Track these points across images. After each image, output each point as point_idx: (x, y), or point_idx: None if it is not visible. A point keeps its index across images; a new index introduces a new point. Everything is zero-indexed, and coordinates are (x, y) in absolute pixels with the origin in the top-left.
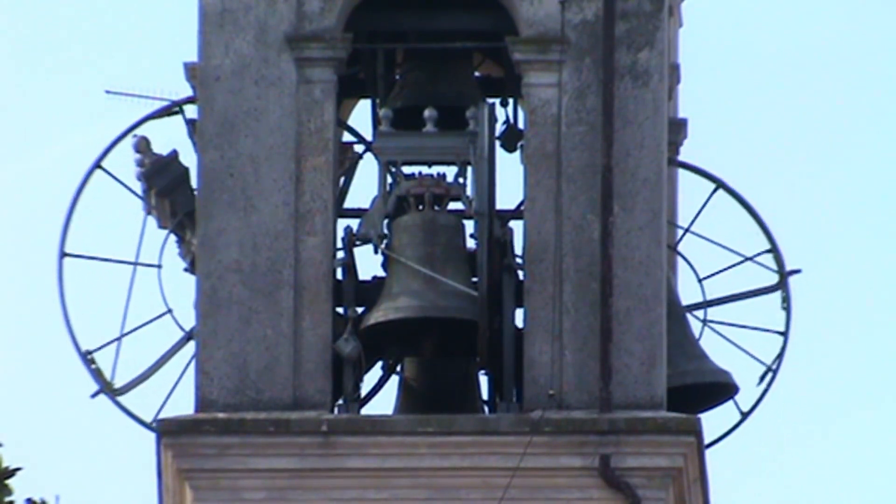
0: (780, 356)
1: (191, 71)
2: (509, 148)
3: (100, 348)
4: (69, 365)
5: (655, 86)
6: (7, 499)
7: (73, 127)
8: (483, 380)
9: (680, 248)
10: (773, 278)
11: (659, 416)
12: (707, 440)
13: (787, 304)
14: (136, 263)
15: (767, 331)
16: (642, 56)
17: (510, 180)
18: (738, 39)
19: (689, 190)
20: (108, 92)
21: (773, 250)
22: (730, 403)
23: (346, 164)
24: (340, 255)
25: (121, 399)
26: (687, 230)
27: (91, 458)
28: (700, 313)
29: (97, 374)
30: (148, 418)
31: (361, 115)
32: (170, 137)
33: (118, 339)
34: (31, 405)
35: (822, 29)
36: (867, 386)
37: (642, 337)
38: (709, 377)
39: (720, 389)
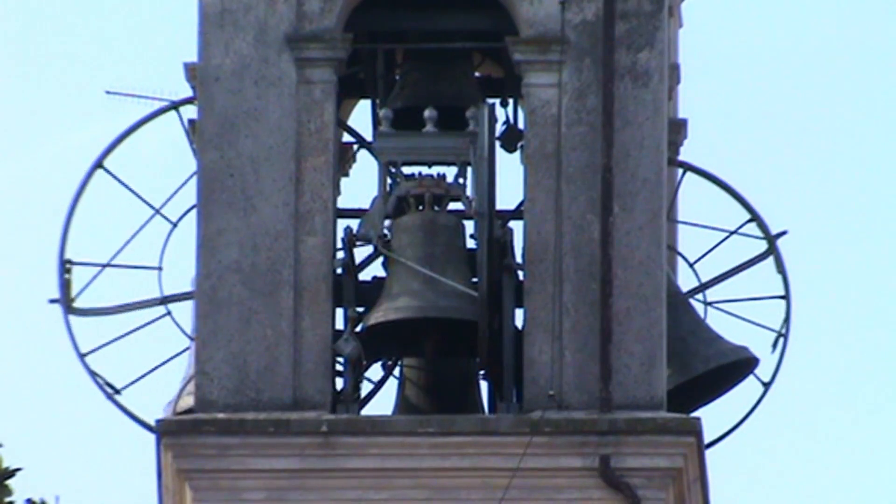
0: (787, 319)
1: (191, 71)
2: (509, 148)
3: (80, 264)
4: (70, 366)
5: (655, 86)
6: (7, 499)
7: (73, 127)
8: (483, 380)
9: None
10: (762, 246)
11: (659, 417)
12: (734, 422)
13: (781, 267)
14: (157, 211)
15: (769, 298)
16: (642, 56)
17: (510, 180)
18: (738, 39)
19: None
20: (108, 92)
21: (755, 218)
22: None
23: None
24: (340, 255)
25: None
26: (667, 219)
27: (91, 458)
28: (700, 297)
29: (65, 284)
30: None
31: (361, 115)
32: (171, 137)
33: (102, 266)
34: (31, 405)
35: (822, 29)
36: (866, 384)
37: (642, 337)
38: (731, 356)
39: (740, 366)
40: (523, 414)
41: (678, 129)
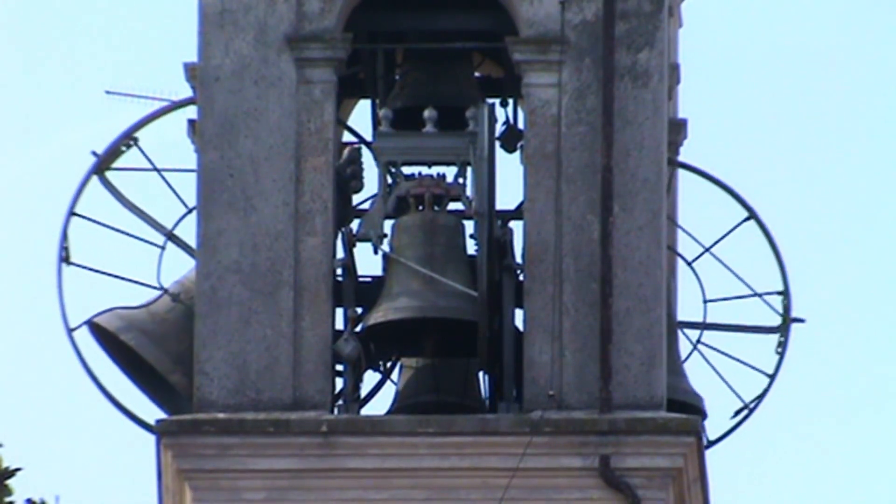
0: (760, 397)
1: (191, 71)
2: (509, 148)
3: (142, 152)
4: (69, 366)
5: (655, 86)
6: (7, 499)
7: (73, 126)
8: (483, 380)
9: (695, 265)
10: (776, 320)
11: (659, 417)
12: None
13: (782, 349)
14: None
15: (755, 369)
16: (642, 56)
17: (510, 180)
18: (738, 39)
19: (700, 193)
20: (108, 92)
21: (785, 294)
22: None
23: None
24: (340, 255)
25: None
26: (707, 250)
27: (91, 458)
28: (694, 333)
29: (115, 152)
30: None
31: (361, 115)
32: (171, 137)
33: (153, 167)
34: (31, 405)
35: (822, 29)
36: (866, 389)
37: (642, 337)
38: (679, 395)
39: (689, 411)
40: (523, 414)
41: (678, 129)
